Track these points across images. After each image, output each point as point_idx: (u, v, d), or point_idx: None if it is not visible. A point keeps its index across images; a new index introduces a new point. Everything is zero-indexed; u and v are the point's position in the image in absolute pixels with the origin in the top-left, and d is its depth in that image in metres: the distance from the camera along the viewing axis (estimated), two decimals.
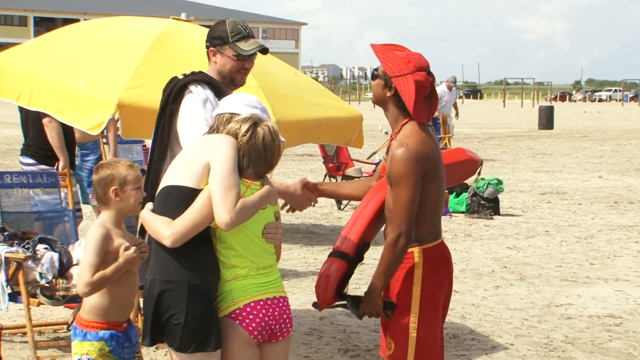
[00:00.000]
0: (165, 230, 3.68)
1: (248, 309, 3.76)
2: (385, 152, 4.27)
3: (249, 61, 4.53)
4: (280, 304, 3.86)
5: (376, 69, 4.19)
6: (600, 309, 7.67)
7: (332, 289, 4.18)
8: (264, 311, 3.78)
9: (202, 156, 3.75)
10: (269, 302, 3.81)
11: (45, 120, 7.41)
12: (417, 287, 4.04)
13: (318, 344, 6.49)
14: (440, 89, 21.23)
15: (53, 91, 5.80)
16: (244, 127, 3.82)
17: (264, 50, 4.60)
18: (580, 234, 11.36)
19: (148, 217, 3.79)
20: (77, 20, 45.11)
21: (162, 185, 3.83)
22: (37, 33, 72.31)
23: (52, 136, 7.52)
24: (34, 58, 6.25)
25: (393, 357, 4.09)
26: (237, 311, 3.76)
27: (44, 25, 78.67)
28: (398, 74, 4.07)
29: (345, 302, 4.16)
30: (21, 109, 7.53)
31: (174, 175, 3.79)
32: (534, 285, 8.51)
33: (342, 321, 7.12)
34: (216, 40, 4.51)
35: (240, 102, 3.95)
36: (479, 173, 4.92)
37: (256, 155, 3.83)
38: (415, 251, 4.06)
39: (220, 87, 4.50)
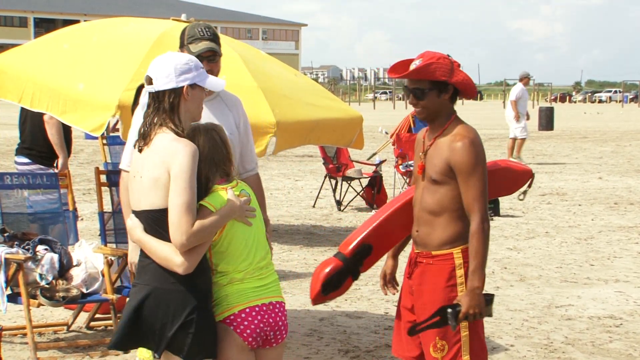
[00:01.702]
0: (176, 258, 3.58)
1: (243, 315, 3.75)
2: (422, 152, 4.20)
3: (205, 63, 4.51)
4: (277, 310, 3.84)
5: (417, 89, 4.11)
6: (601, 310, 7.67)
7: (318, 284, 4.27)
8: (259, 317, 3.77)
9: (167, 169, 3.59)
10: (264, 307, 3.79)
11: (46, 117, 7.40)
12: (461, 288, 4.07)
13: (318, 345, 6.49)
14: (520, 87, 20.29)
15: (54, 93, 5.81)
16: (201, 140, 3.80)
17: (213, 53, 4.58)
18: (581, 235, 11.36)
19: (149, 242, 3.66)
20: (77, 22, 45.13)
21: (141, 207, 3.67)
22: (37, 34, 72.27)
23: (52, 133, 7.49)
24: (34, 59, 6.26)
25: (448, 357, 4.11)
26: (232, 317, 3.75)
27: (44, 26, 78.65)
28: (448, 72, 4.09)
29: (434, 319, 4.09)
30: (22, 109, 7.53)
31: (152, 196, 3.63)
32: (534, 286, 8.51)
33: (342, 322, 7.12)
34: (180, 42, 4.68)
35: (173, 74, 3.72)
36: (530, 186, 4.70)
37: (220, 157, 3.82)
38: (455, 252, 4.09)
39: None
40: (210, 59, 4.56)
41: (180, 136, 3.68)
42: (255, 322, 3.76)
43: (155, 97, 3.72)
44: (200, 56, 4.52)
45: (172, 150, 3.60)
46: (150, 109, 3.74)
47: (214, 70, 4.60)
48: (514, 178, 4.69)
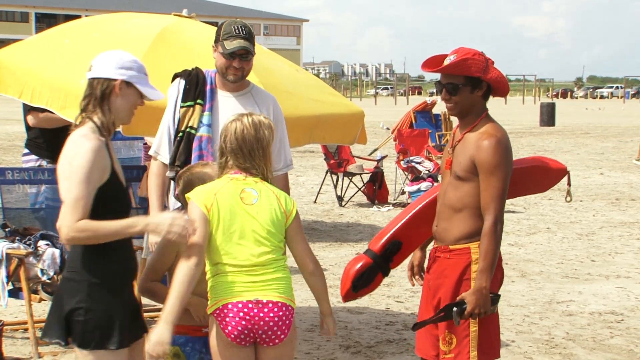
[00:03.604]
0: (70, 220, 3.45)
1: (225, 310, 3.68)
2: (450, 147, 4.20)
3: (238, 61, 4.65)
4: (266, 309, 3.70)
5: (451, 84, 4.08)
6: (602, 305, 7.68)
7: (348, 282, 4.29)
8: (241, 314, 3.67)
9: (69, 161, 3.55)
10: (250, 304, 3.68)
11: (29, 119, 7.21)
12: (474, 283, 4.06)
13: (319, 341, 6.50)
14: None
15: (55, 88, 5.80)
16: (232, 125, 3.84)
17: (246, 52, 4.65)
18: (582, 230, 11.36)
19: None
20: (78, 17, 45.10)
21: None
22: (38, 29, 72.30)
23: (43, 127, 7.23)
24: (35, 54, 6.25)
25: (455, 351, 4.12)
26: (218, 310, 3.71)
27: (46, 21, 78.65)
28: (483, 68, 4.06)
29: (439, 315, 4.10)
30: (23, 103, 7.48)
31: (60, 188, 3.61)
32: (535, 282, 8.51)
33: (343, 318, 7.13)
34: (215, 37, 4.74)
35: (112, 66, 3.70)
36: (569, 184, 4.64)
37: (232, 150, 3.81)
38: (472, 247, 4.09)
39: (199, 81, 4.74)
40: (243, 57, 4.66)
41: (102, 130, 3.63)
42: (237, 318, 3.66)
43: (90, 84, 3.69)
44: (233, 53, 4.62)
45: (75, 144, 3.56)
46: (83, 98, 3.70)
47: (245, 68, 4.71)
48: (548, 176, 4.63)
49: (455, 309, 4.00)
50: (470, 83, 4.07)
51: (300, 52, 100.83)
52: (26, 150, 7.57)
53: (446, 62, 4.08)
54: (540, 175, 4.60)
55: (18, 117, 8.58)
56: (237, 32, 4.63)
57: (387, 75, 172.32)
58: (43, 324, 6.68)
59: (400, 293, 7.95)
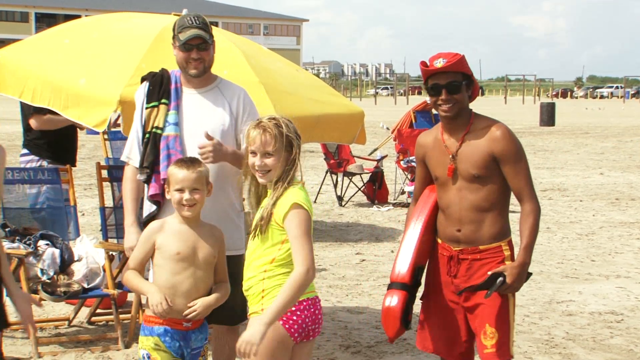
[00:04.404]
0: None
1: (293, 309, 3.74)
2: (450, 155, 4.15)
3: (195, 51, 4.57)
4: (317, 304, 3.85)
5: (453, 82, 4.08)
6: (602, 305, 7.68)
7: (397, 320, 4.22)
8: (305, 312, 3.78)
9: None
10: (309, 302, 3.80)
11: (32, 121, 7.18)
12: (517, 258, 4.11)
13: (319, 340, 6.49)
14: None
15: (55, 88, 5.80)
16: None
17: (202, 40, 4.58)
18: (582, 230, 11.36)
19: None
20: (78, 17, 45.03)
21: None
22: (38, 29, 72.29)
23: (49, 127, 7.22)
24: (35, 54, 6.25)
25: (498, 344, 4.13)
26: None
27: (46, 21, 78.70)
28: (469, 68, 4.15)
29: (478, 285, 4.11)
30: (22, 104, 7.47)
31: None
32: (535, 282, 8.51)
33: (343, 317, 7.13)
34: (172, 34, 4.69)
35: None
36: None
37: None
38: (503, 245, 4.16)
39: (164, 81, 4.67)
40: (201, 47, 4.57)
41: None
42: (303, 316, 3.77)
43: None
44: (189, 44, 4.55)
45: None
46: None
47: (205, 58, 4.60)
48: None
49: (500, 279, 4.03)
50: (465, 81, 4.12)
51: (300, 52, 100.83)
52: (24, 151, 7.55)
53: (437, 63, 4.08)
54: None
55: (18, 116, 8.56)
56: (190, 23, 4.58)
57: (387, 75, 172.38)
58: (43, 324, 6.71)
59: None
